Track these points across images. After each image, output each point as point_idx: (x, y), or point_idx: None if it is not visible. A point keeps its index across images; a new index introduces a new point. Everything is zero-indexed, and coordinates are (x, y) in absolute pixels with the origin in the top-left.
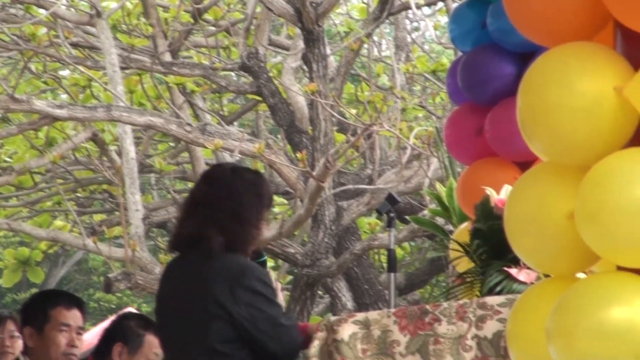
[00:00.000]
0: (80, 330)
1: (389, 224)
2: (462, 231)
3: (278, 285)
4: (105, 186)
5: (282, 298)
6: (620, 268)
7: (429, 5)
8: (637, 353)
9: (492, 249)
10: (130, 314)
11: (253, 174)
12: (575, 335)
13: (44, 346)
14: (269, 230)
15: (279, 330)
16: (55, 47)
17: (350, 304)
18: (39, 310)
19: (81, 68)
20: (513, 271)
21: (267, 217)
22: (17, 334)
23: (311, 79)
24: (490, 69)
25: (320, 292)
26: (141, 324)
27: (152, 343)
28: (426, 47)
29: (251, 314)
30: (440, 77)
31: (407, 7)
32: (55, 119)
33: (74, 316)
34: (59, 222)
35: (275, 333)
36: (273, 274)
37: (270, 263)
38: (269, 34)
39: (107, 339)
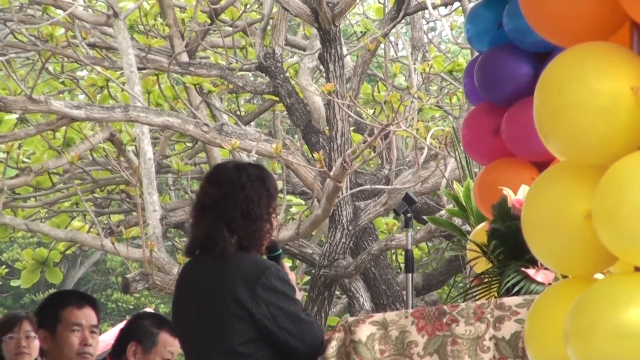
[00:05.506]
0: (94, 328)
1: (406, 224)
2: (479, 231)
3: (293, 277)
4: (122, 186)
5: (299, 293)
6: (638, 269)
7: (445, 5)
8: None
9: (510, 249)
10: (145, 313)
11: (256, 168)
12: (593, 336)
13: (57, 347)
14: (286, 231)
15: (301, 327)
16: (72, 47)
17: (367, 305)
18: (51, 312)
19: (99, 68)
20: (531, 272)
21: (277, 208)
22: (33, 334)
23: (328, 79)
24: (506, 69)
25: (337, 293)
26: (155, 323)
27: (166, 341)
28: (442, 47)
29: (272, 312)
30: (457, 77)
31: (423, 7)
32: (73, 119)
33: (85, 315)
34: (77, 223)
35: (297, 330)
36: (288, 267)
37: (287, 263)
38: (286, 34)
39: (122, 338)
